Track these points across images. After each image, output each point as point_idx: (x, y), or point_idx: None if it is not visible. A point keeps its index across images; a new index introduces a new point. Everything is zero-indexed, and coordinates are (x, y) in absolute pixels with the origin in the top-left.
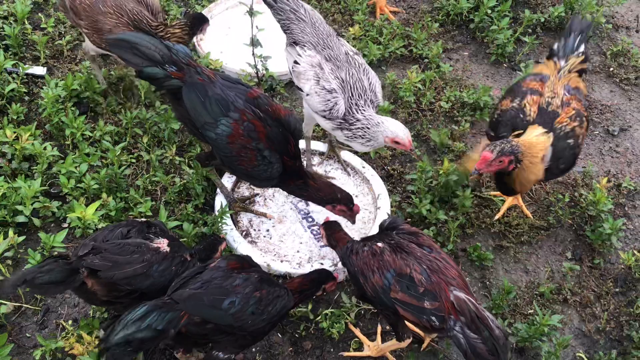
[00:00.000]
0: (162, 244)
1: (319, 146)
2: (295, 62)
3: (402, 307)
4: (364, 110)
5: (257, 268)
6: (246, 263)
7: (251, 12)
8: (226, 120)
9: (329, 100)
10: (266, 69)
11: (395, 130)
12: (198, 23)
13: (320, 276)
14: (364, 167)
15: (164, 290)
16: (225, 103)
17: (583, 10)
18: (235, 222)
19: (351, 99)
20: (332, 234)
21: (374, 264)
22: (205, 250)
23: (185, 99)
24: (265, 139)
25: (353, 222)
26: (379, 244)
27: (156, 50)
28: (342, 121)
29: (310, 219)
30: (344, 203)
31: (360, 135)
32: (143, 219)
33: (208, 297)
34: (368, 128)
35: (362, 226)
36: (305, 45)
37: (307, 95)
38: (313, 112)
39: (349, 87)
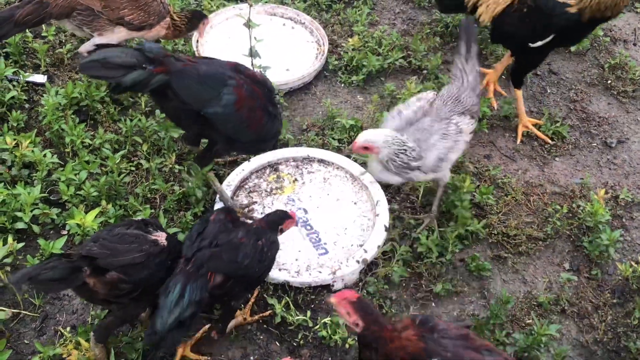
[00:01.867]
0: (160, 237)
1: (318, 153)
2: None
3: None
4: None
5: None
6: (234, 213)
7: (249, 24)
8: (228, 89)
9: None
10: None
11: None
12: (197, 19)
13: (278, 217)
14: (362, 174)
15: (159, 285)
16: (219, 75)
17: None
18: None
19: None
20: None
21: None
22: None
23: (178, 87)
24: (263, 97)
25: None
26: None
27: (128, 56)
28: None
29: (308, 227)
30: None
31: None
32: (139, 218)
33: (226, 254)
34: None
35: (361, 234)
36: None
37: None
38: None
39: None
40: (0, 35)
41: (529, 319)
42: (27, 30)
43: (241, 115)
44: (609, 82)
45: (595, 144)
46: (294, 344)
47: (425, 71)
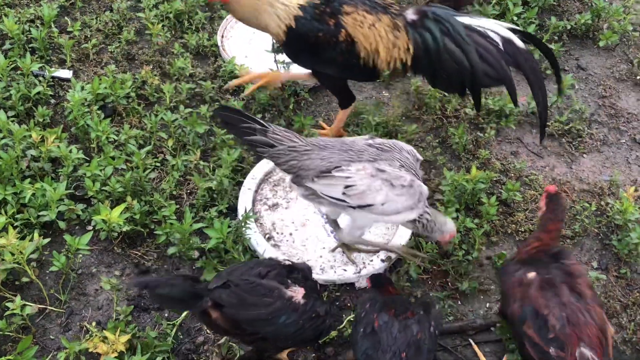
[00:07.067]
0: (297, 293)
1: None
2: (347, 185)
3: (528, 342)
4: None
5: None
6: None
7: None
8: None
9: (413, 193)
10: None
11: (454, 227)
12: None
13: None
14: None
15: (287, 339)
16: None
17: (610, 19)
18: (259, 226)
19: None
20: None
21: (517, 292)
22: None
23: None
24: None
25: None
26: (530, 275)
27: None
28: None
29: None
30: None
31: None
32: (287, 262)
33: None
34: (434, 224)
35: (386, 232)
36: (340, 166)
37: (383, 204)
38: (387, 217)
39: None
40: None
41: None
42: (52, 26)
43: None
44: (639, 77)
45: (624, 141)
46: (319, 341)
47: None
